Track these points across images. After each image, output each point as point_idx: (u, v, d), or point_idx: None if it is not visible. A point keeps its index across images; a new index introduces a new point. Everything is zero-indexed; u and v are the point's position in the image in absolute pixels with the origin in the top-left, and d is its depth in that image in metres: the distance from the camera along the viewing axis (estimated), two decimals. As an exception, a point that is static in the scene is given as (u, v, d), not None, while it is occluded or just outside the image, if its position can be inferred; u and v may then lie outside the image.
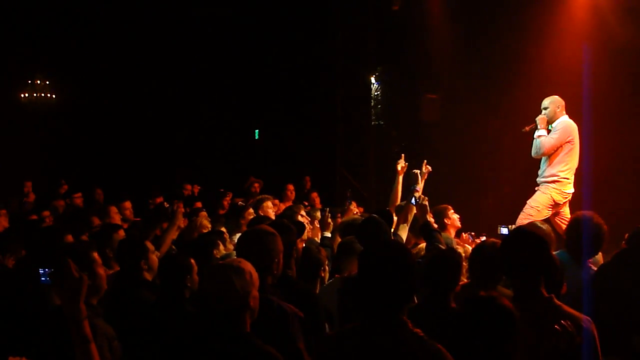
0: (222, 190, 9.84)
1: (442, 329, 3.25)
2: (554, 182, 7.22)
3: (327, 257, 4.90)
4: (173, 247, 5.75)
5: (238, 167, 13.13)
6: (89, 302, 3.08)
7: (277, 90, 13.85)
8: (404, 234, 5.67)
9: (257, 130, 15.55)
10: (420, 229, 5.48)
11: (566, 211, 7.25)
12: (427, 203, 5.70)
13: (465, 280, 4.11)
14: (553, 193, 7.21)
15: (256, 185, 9.91)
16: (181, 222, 6.26)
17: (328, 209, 6.51)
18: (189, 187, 11.30)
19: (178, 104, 14.37)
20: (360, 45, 13.16)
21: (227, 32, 13.89)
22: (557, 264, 3.44)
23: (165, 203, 6.18)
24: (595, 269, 4.53)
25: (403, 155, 6.89)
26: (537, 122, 7.29)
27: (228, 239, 5.73)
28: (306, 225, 5.75)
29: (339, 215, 7.17)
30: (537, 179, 7.39)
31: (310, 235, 6.06)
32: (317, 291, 4.39)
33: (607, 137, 9.35)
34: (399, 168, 6.74)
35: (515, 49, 10.78)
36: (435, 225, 5.84)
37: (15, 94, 15.55)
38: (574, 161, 7.25)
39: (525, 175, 8.30)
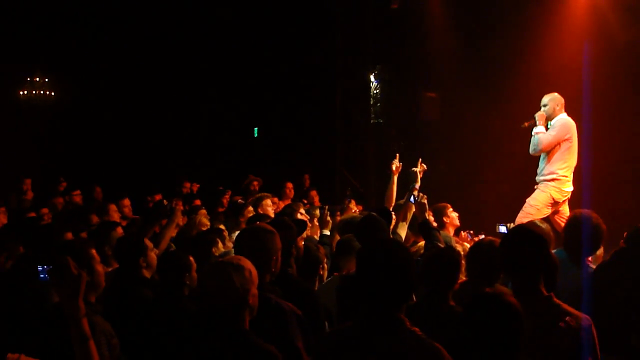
0: (221, 188, 9.85)
1: (441, 327, 3.26)
2: (553, 180, 7.22)
3: (325, 255, 4.91)
4: (172, 244, 5.75)
5: (237, 165, 13.13)
6: (87, 299, 3.08)
7: (277, 88, 13.84)
8: (403, 232, 5.68)
9: (256, 129, 15.54)
10: (419, 227, 5.49)
11: (565, 209, 7.26)
12: (426, 201, 5.71)
13: (464, 279, 4.11)
14: (552, 191, 7.21)
15: (255, 183, 9.91)
16: (180, 219, 6.26)
17: (327, 207, 6.51)
18: (188, 184, 11.30)
19: (177, 101, 14.35)
20: (360, 44, 13.15)
21: (227, 30, 13.88)
22: (556, 263, 3.44)
23: (164, 201, 6.16)
24: (594, 267, 4.53)
25: (397, 155, 6.89)
26: (536, 118, 7.29)
27: (227, 237, 5.73)
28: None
29: (338, 213, 7.17)
30: (536, 178, 7.40)
31: (309, 233, 6.05)
32: (316, 289, 4.39)
33: (607, 136, 9.35)
34: (394, 168, 6.75)
35: (515, 48, 10.78)
36: (434, 224, 5.86)
37: (14, 91, 15.53)
38: (572, 159, 7.25)
39: (524, 174, 8.30)
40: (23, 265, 4.47)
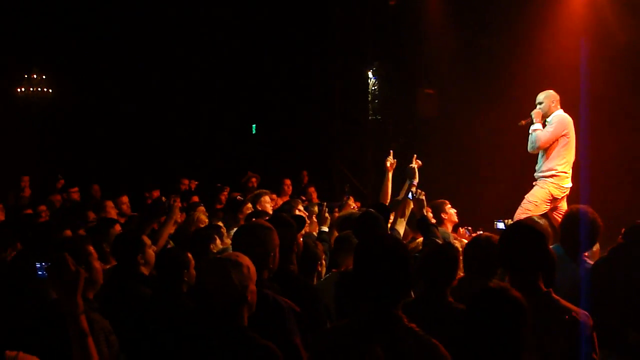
0: (219, 185, 9.83)
1: (440, 323, 3.26)
2: (551, 176, 7.22)
3: (324, 251, 4.91)
4: (170, 241, 5.75)
5: (235, 162, 13.12)
6: (85, 296, 3.08)
7: (275, 86, 13.83)
8: (401, 228, 5.68)
9: (254, 125, 15.53)
10: (417, 223, 5.49)
11: (564, 206, 7.25)
12: (424, 198, 5.70)
13: (462, 274, 4.12)
14: (551, 188, 7.21)
15: (253, 180, 9.90)
16: (178, 216, 6.25)
17: (325, 203, 6.50)
18: (186, 181, 11.29)
19: (175, 99, 14.34)
20: (358, 41, 13.15)
21: (225, 28, 13.86)
22: (554, 259, 3.44)
23: (162, 198, 6.16)
24: (592, 262, 4.54)
25: (392, 151, 6.90)
26: (532, 116, 7.29)
27: (225, 234, 5.73)
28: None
29: (337, 209, 7.17)
30: (535, 174, 7.40)
31: (307, 230, 6.06)
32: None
33: (605, 132, 9.37)
34: (388, 164, 6.75)
35: (513, 45, 10.78)
36: (433, 220, 5.86)
37: (11, 88, 15.51)
38: (570, 155, 7.26)
39: (522, 170, 8.31)
40: (21, 262, 4.46)
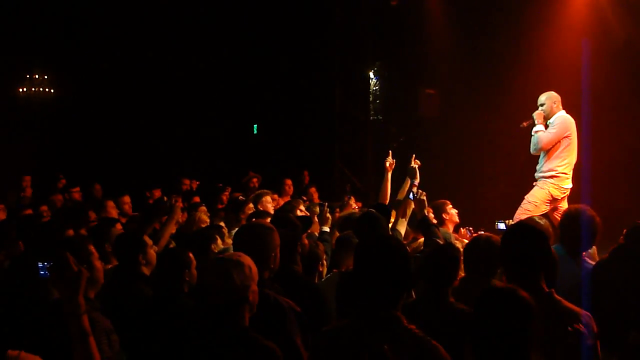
0: (220, 185, 9.84)
1: (441, 323, 3.26)
2: (552, 177, 7.22)
3: (325, 251, 4.91)
4: (172, 241, 5.75)
5: (236, 162, 13.11)
6: (86, 295, 3.08)
7: (276, 86, 13.83)
8: (402, 228, 5.68)
9: (255, 125, 15.53)
10: (418, 223, 5.50)
11: (564, 206, 7.24)
12: (425, 198, 5.71)
13: (462, 274, 4.12)
14: (551, 188, 7.21)
15: (255, 180, 9.91)
16: (179, 216, 6.26)
17: (326, 203, 6.51)
18: (187, 181, 11.29)
19: (177, 98, 14.34)
20: (359, 41, 13.14)
21: (226, 27, 13.85)
22: (556, 259, 3.45)
23: (164, 197, 6.17)
24: (592, 262, 4.54)
25: (390, 152, 6.91)
26: (534, 118, 7.29)
27: (227, 234, 5.73)
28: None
29: (338, 210, 7.17)
30: (535, 174, 7.40)
31: (309, 230, 6.05)
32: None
33: (606, 133, 9.37)
34: (387, 165, 6.77)
35: (514, 45, 10.78)
36: (434, 220, 5.87)
37: (13, 88, 15.51)
38: (572, 156, 7.25)
39: (523, 170, 8.31)
40: (23, 262, 4.47)
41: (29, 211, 7.30)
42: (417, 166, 6.46)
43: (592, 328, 3.08)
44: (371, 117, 13.69)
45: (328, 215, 6.17)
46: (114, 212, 7.35)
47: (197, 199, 9.19)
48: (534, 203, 7.20)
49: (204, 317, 2.86)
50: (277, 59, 13.63)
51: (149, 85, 14.07)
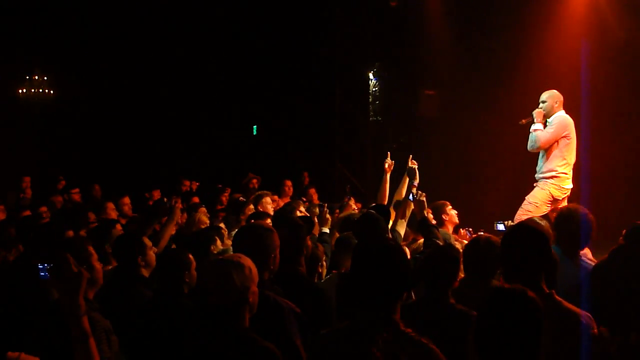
0: (220, 186, 9.85)
1: (442, 325, 3.27)
2: (552, 177, 7.22)
3: (325, 252, 4.91)
4: (172, 242, 5.76)
5: (236, 163, 13.12)
6: (85, 296, 3.08)
7: (276, 86, 13.83)
8: (402, 229, 5.68)
9: (255, 126, 15.53)
10: (418, 224, 5.49)
11: (564, 207, 7.26)
12: (424, 199, 5.71)
13: (462, 275, 4.12)
14: (552, 189, 7.21)
15: (254, 181, 9.92)
16: (179, 217, 6.26)
17: (326, 204, 6.51)
18: (187, 182, 11.30)
19: (176, 99, 14.34)
20: (359, 41, 13.16)
21: (226, 28, 13.86)
22: (556, 260, 3.45)
23: (164, 198, 6.18)
24: (590, 261, 4.54)
25: (389, 153, 6.92)
26: (534, 115, 7.29)
27: (226, 235, 5.74)
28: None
29: (337, 210, 7.18)
30: (535, 175, 7.39)
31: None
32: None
33: (606, 133, 9.38)
34: (386, 166, 6.78)
35: (514, 45, 10.79)
36: (434, 221, 5.87)
37: (13, 89, 15.51)
38: (571, 156, 7.25)
39: (523, 171, 8.32)
40: (23, 263, 4.47)
41: (28, 212, 7.30)
42: (416, 167, 6.47)
43: (592, 329, 3.08)
44: (371, 118, 13.70)
45: (328, 216, 6.17)
46: (113, 214, 7.35)
47: (196, 200, 9.20)
48: (534, 204, 7.20)
49: (204, 319, 2.86)
50: (276, 59, 13.64)
51: (149, 86, 14.08)
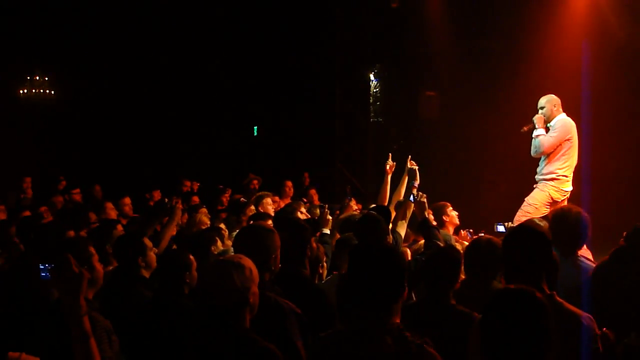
0: (221, 186, 9.86)
1: (443, 326, 3.26)
2: (552, 179, 7.22)
3: (325, 253, 4.91)
4: (173, 243, 5.75)
5: (236, 164, 13.13)
6: (85, 296, 3.08)
7: (276, 87, 13.83)
8: (402, 230, 5.68)
9: (255, 127, 15.54)
10: (418, 225, 5.49)
11: (564, 209, 7.24)
12: (425, 200, 5.71)
13: (462, 277, 4.12)
14: (551, 191, 7.21)
15: (255, 182, 9.93)
16: (179, 218, 6.26)
17: (327, 205, 6.51)
18: (188, 183, 11.30)
19: (177, 100, 14.35)
20: (359, 42, 13.16)
21: (226, 29, 13.86)
22: (557, 261, 3.45)
23: (165, 199, 6.18)
24: (589, 261, 4.53)
25: (390, 154, 6.92)
26: (534, 121, 7.29)
27: (227, 235, 5.74)
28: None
29: (338, 212, 7.18)
30: (536, 177, 7.40)
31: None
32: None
33: (606, 135, 9.37)
34: (387, 168, 6.78)
35: (514, 47, 10.79)
36: (434, 222, 5.87)
37: (14, 90, 15.51)
38: (572, 159, 7.25)
39: (523, 173, 8.31)
40: (24, 263, 4.47)
41: (27, 213, 7.30)
42: (416, 168, 6.47)
43: (593, 330, 3.08)
44: (371, 119, 13.70)
45: (328, 217, 6.17)
46: (112, 214, 7.35)
47: (196, 199, 9.21)
48: (534, 205, 7.20)
49: (204, 319, 2.86)
50: (277, 60, 13.64)
51: (149, 86, 14.08)
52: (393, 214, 5.82)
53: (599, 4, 9.90)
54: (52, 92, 15.78)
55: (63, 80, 15.36)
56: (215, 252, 4.96)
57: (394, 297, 2.57)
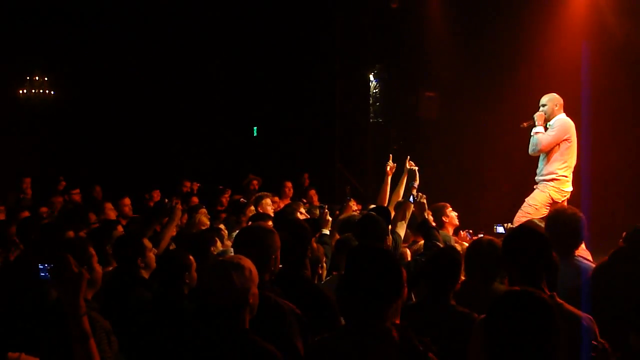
0: (221, 187, 9.85)
1: (443, 327, 3.26)
2: (552, 180, 7.23)
3: (325, 254, 4.91)
4: (172, 243, 5.75)
5: (236, 164, 13.12)
6: (85, 296, 3.08)
7: (276, 88, 13.84)
8: (402, 231, 5.68)
9: (255, 128, 15.54)
10: (418, 226, 5.49)
11: (564, 210, 7.24)
12: (425, 201, 5.71)
13: (462, 278, 4.12)
14: (551, 191, 7.21)
15: (255, 182, 9.93)
16: (179, 219, 6.26)
17: (326, 206, 6.51)
18: (188, 184, 11.30)
19: (177, 100, 14.35)
20: (359, 43, 13.16)
21: (226, 29, 13.87)
22: (557, 262, 3.45)
23: (165, 199, 6.18)
24: (587, 260, 4.53)
25: (391, 155, 6.93)
26: (535, 119, 7.30)
27: (226, 236, 5.74)
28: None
29: (337, 212, 7.18)
30: (536, 178, 7.40)
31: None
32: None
33: (606, 135, 9.37)
34: (388, 169, 6.79)
35: (514, 47, 10.79)
36: (434, 223, 5.87)
37: (13, 90, 15.51)
38: (572, 159, 7.26)
39: (523, 173, 8.32)
40: (23, 263, 4.47)
41: (26, 213, 7.30)
42: (416, 169, 6.47)
43: (593, 331, 3.08)
44: (371, 120, 13.70)
45: (328, 217, 6.17)
46: (112, 214, 7.36)
47: (195, 200, 9.21)
48: (534, 206, 7.21)
49: (204, 320, 2.86)
50: (277, 61, 13.64)
51: (149, 87, 14.08)
52: (393, 215, 5.83)
53: (598, 4, 9.90)
54: (52, 92, 15.77)
55: (63, 81, 15.36)
56: (215, 253, 4.96)
57: (392, 297, 2.57)
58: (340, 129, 13.41)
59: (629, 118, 9.99)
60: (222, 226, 6.20)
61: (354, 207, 7.42)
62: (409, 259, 5.17)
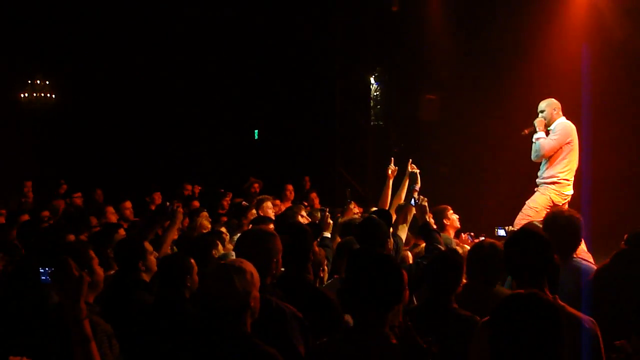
0: (222, 190, 9.85)
1: (445, 329, 3.26)
2: (553, 183, 7.22)
3: (326, 257, 4.91)
4: (174, 247, 5.75)
5: (237, 167, 13.13)
6: (85, 299, 3.08)
7: (277, 91, 13.85)
8: (403, 234, 5.68)
9: (256, 131, 15.55)
10: (419, 229, 5.49)
11: (565, 213, 7.23)
12: (426, 203, 5.71)
13: (464, 281, 4.12)
14: (552, 194, 7.20)
15: (256, 185, 9.92)
16: (180, 222, 6.26)
17: (327, 209, 6.50)
18: (189, 187, 11.30)
19: (177, 104, 14.36)
20: (360, 46, 13.17)
21: (227, 32, 13.88)
22: (558, 265, 3.44)
23: (166, 203, 6.18)
24: (586, 260, 4.52)
25: (392, 159, 6.92)
26: (535, 125, 7.29)
27: (228, 239, 5.73)
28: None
29: (339, 215, 7.17)
30: (537, 180, 7.39)
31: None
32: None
33: (607, 137, 9.36)
34: (389, 172, 6.78)
35: (515, 50, 10.80)
36: (435, 226, 5.86)
37: (14, 93, 15.53)
38: (573, 162, 7.25)
39: (524, 176, 8.31)
40: (24, 267, 4.47)
41: (26, 216, 7.30)
42: (418, 172, 6.47)
43: (595, 334, 3.08)
44: (372, 122, 13.71)
45: (329, 220, 6.16)
46: (113, 217, 7.36)
47: (196, 204, 9.21)
48: (534, 209, 7.19)
49: (206, 323, 2.86)
50: (278, 64, 13.66)
51: (150, 90, 14.10)
52: (394, 218, 5.82)
53: (598, 6, 9.90)
54: (53, 96, 15.80)
55: (64, 84, 15.38)
56: (217, 256, 4.96)
57: (392, 301, 2.57)
58: (341, 132, 13.42)
59: (630, 119, 9.99)
60: (223, 229, 6.20)
61: (355, 210, 7.42)
62: (411, 262, 5.17)
